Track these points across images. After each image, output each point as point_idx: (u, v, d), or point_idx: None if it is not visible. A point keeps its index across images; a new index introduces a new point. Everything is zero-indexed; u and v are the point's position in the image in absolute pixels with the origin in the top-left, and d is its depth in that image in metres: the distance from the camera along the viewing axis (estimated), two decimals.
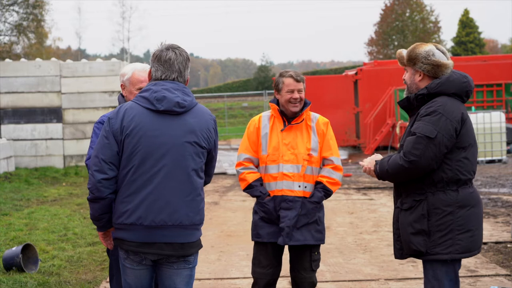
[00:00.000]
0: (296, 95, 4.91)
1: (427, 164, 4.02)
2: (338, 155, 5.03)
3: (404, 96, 4.33)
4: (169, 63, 3.83)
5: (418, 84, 4.24)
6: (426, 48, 4.21)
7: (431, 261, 4.16)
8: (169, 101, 3.76)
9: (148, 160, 3.74)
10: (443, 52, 4.24)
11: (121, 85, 4.60)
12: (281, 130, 4.95)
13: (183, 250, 3.81)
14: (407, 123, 4.34)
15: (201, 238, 3.96)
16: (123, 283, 3.95)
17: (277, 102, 5.04)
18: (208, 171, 4.02)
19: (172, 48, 3.87)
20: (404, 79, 4.33)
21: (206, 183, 4.06)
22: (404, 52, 4.31)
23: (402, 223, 4.22)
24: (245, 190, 5.01)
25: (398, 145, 4.37)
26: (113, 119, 3.80)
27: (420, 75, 4.23)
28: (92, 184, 3.77)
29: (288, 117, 4.99)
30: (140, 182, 3.74)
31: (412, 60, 4.23)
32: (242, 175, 4.99)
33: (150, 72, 3.92)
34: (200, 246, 3.94)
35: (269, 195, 4.92)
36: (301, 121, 4.96)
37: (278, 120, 5.01)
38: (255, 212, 5.02)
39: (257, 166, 5.02)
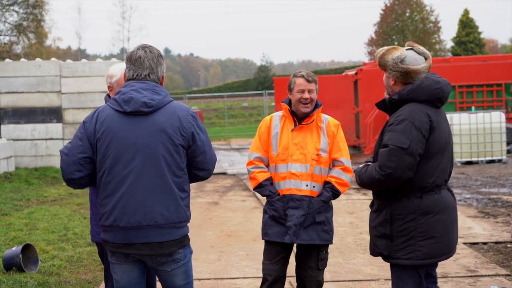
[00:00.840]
0: (307, 95, 4.95)
1: (403, 175, 3.99)
2: (349, 157, 5.05)
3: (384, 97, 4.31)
4: (139, 61, 3.88)
5: (392, 87, 4.22)
6: (395, 55, 4.13)
7: (395, 264, 4.20)
8: (136, 102, 3.78)
9: (119, 162, 3.78)
10: (419, 53, 4.16)
11: (108, 86, 4.50)
12: (292, 130, 4.98)
13: (162, 249, 3.81)
14: None
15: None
16: (114, 283, 3.97)
17: (289, 103, 5.08)
18: (199, 165, 3.95)
19: (143, 47, 3.94)
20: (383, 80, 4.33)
21: (202, 178, 4.03)
22: (380, 52, 4.26)
23: (370, 224, 4.30)
24: (255, 189, 5.06)
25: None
26: (87, 123, 3.87)
27: (393, 80, 4.20)
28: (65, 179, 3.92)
29: (299, 117, 5.02)
30: (113, 185, 3.79)
31: (382, 67, 4.22)
32: (252, 174, 5.03)
33: (125, 74, 3.98)
34: (185, 243, 3.92)
35: (278, 194, 4.95)
36: (312, 122, 4.99)
37: (289, 120, 5.05)
38: (265, 211, 5.06)
39: (267, 166, 5.06)
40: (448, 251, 4.19)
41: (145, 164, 3.77)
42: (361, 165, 4.31)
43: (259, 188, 5.00)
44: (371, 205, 4.34)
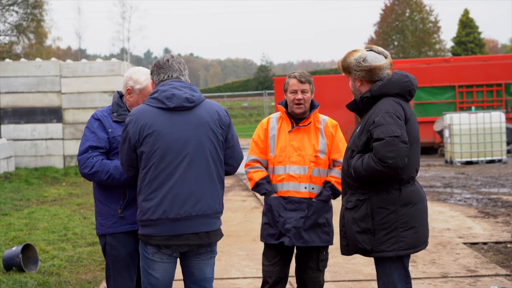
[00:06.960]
0: (300, 95, 4.91)
1: (403, 162, 4.06)
2: None
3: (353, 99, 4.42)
4: (167, 64, 4.09)
5: (359, 89, 4.33)
6: (356, 55, 4.28)
7: (378, 258, 4.26)
8: (178, 98, 3.96)
9: (166, 157, 3.93)
10: (379, 52, 4.30)
11: (128, 89, 4.41)
12: (289, 132, 4.96)
13: (209, 238, 4.05)
14: None
15: None
16: (149, 279, 4.01)
17: (286, 104, 5.06)
18: (225, 159, 4.15)
19: (169, 54, 4.19)
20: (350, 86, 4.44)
21: (228, 173, 4.21)
22: (342, 57, 4.40)
23: (348, 221, 4.30)
24: (253, 188, 5.08)
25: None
26: (130, 124, 3.98)
27: (359, 82, 4.32)
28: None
29: (296, 119, 4.99)
30: (161, 178, 3.93)
31: (346, 70, 4.34)
32: (249, 174, 5.05)
33: (153, 82, 4.14)
34: (222, 234, 4.19)
35: (275, 192, 4.95)
36: (309, 123, 4.97)
37: (286, 121, 5.02)
38: (263, 213, 5.05)
39: (266, 168, 5.04)
40: (425, 240, 4.33)
41: (193, 156, 3.95)
42: (353, 159, 4.29)
43: (256, 187, 5.02)
44: (346, 203, 4.33)
